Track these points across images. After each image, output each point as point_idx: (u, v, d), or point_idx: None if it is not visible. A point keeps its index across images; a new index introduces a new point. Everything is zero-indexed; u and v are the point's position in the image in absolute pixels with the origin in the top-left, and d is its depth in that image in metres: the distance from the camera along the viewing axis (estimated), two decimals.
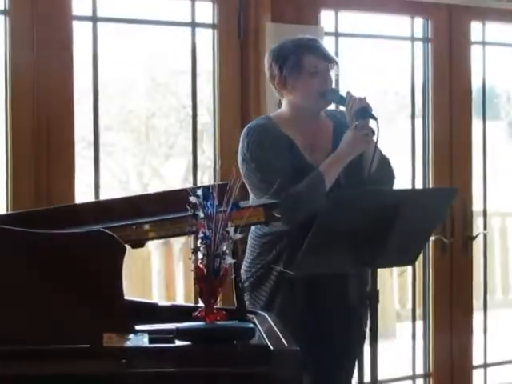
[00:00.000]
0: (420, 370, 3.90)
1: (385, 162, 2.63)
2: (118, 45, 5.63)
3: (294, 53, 2.57)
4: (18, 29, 2.94)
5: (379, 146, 2.52)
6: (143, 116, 6.94)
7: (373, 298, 2.32)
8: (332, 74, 2.63)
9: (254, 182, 2.51)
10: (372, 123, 2.50)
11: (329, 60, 2.60)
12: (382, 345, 2.80)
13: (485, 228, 4.25)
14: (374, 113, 2.51)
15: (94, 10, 3.07)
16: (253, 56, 3.36)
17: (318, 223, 2.12)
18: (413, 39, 3.77)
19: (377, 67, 4.41)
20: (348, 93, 2.50)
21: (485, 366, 3.91)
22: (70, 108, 3.08)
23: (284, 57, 2.58)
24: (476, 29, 3.90)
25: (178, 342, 1.77)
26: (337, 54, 3.37)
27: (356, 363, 2.63)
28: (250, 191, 2.58)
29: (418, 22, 3.77)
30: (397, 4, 3.67)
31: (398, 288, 5.54)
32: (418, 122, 3.76)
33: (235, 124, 3.28)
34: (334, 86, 2.72)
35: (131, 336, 1.79)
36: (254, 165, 2.52)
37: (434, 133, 3.73)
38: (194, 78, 3.43)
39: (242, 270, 2.47)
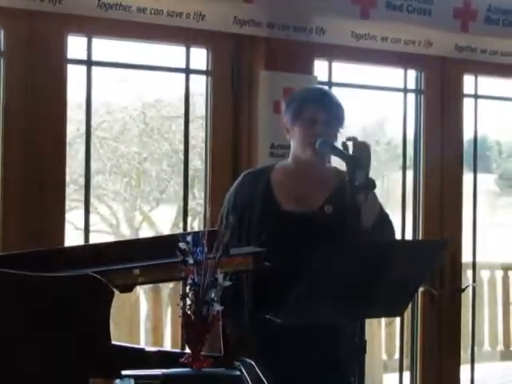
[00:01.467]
0: None
1: (386, 218, 2.67)
2: (112, 89, 5.68)
3: (299, 100, 2.58)
4: (13, 70, 2.96)
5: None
6: (135, 160, 6.97)
7: (360, 348, 2.27)
8: (334, 128, 2.60)
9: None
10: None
11: (330, 111, 2.57)
12: None
13: (474, 280, 4.25)
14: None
15: (89, 54, 3.10)
16: (246, 103, 3.38)
17: (307, 273, 2.12)
18: (406, 90, 3.80)
19: (369, 117, 4.46)
20: (343, 142, 2.43)
21: None
22: (62, 150, 3.09)
23: (290, 103, 2.60)
24: (468, 82, 3.95)
25: None
26: None
27: None
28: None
29: (411, 73, 3.83)
30: (390, 56, 3.71)
31: (385, 338, 5.52)
32: (409, 172, 3.79)
33: (227, 170, 3.27)
34: (335, 138, 2.65)
35: (117, 381, 1.76)
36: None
37: (425, 184, 3.75)
38: (187, 124, 3.45)
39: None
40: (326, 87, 3.03)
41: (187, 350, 1.91)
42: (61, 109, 3.05)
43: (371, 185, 2.32)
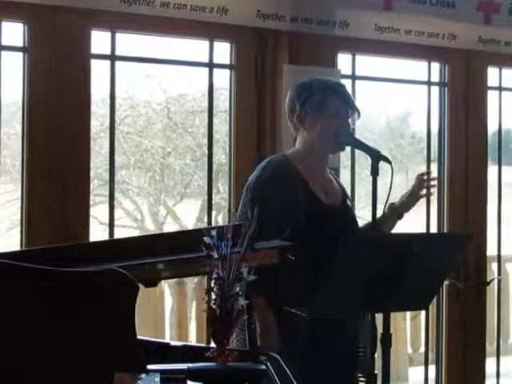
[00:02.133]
0: None
1: None
2: (136, 84, 5.72)
3: (320, 92, 2.59)
4: (37, 65, 3.01)
5: None
6: (159, 155, 7.03)
7: (385, 341, 2.31)
8: (350, 121, 2.66)
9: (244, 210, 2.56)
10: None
11: (351, 107, 2.62)
12: None
13: (499, 273, 4.29)
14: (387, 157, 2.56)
15: (113, 49, 3.13)
16: (269, 97, 3.38)
17: (335, 267, 2.15)
18: (429, 83, 3.81)
19: (393, 111, 4.44)
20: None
21: None
22: (87, 145, 3.12)
23: (309, 94, 2.60)
24: (493, 74, 3.96)
25: (189, 383, 1.77)
26: (353, 96, 3.40)
27: None
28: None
29: (435, 66, 3.84)
30: (414, 49, 3.71)
31: (410, 332, 5.56)
32: (434, 166, 3.82)
33: (251, 164, 3.24)
34: (351, 131, 2.75)
35: (143, 376, 1.77)
36: (257, 201, 2.52)
37: (450, 177, 3.76)
38: (211, 118, 3.46)
39: None
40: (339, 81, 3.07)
41: (212, 345, 1.92)
42: (85, 104, 3.08)
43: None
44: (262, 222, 2.34)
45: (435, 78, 3.82)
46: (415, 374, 5.13)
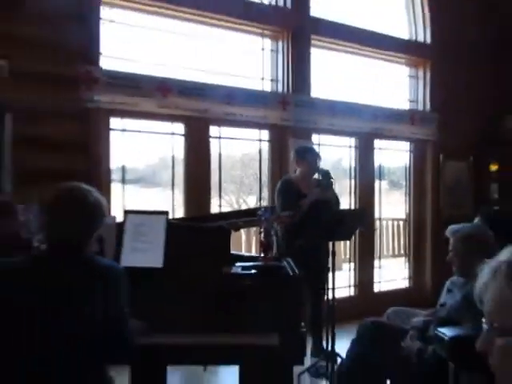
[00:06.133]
0: None
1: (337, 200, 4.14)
2: None
3: (303, 151, 4.01)
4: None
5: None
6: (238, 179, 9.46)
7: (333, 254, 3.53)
8: (318, 162, 4.02)
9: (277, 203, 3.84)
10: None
11: (317, 156, 4.03)
12: None
13: None
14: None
15: None
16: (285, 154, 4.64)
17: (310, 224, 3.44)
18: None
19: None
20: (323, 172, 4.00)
21: None
22: None
23: (298, 152, 4.04)
24: None
25: (253, 270, 2.34)
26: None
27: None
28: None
29: None
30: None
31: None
32: None
33: (277, 180, 4.61)
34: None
35: (233, 268, 2.36)
36: (279, 196, 3.92)
37: None
38: (261, 164, 4.68)
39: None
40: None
41: (262, 255, 2.49)
42: None
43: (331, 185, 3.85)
44: (280, 204, 3.86)
45: None
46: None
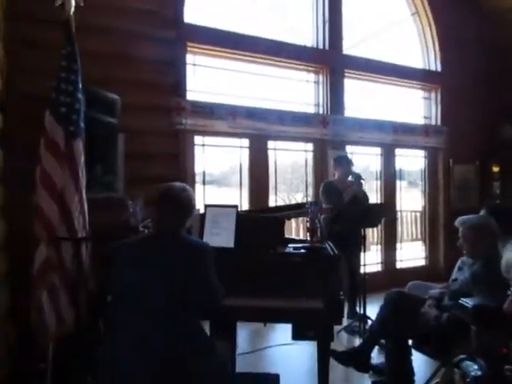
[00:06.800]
0: None
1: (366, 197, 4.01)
2: None
3: (340, 159, 3.88)
4: None
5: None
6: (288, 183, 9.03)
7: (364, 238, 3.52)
8: (351, 167, 3.91)
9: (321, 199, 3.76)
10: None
11: (351, 163, 3.90)
12: None
13: None
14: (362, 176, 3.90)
15: None
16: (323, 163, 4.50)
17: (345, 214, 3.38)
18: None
19: None
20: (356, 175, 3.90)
21: None
22: None
23: (336, 160, 3.95)
24: None
25: (302, 250, 2.32)
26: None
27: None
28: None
29: None
30: None
31: None
32: None
33: (320, 182, 4.55)
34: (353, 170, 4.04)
35: (287, 248, 2.40)
36: (322, 194, 3.81)
37: None
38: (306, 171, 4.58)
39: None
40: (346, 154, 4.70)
41: (308, 238, 2.48)
42: None
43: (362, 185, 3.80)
44: (323, 199, 3.77)
45: None
46: None
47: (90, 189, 2.59)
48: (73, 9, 2.49)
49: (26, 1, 3.42)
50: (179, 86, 4.19)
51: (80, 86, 2.50)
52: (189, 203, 1.88)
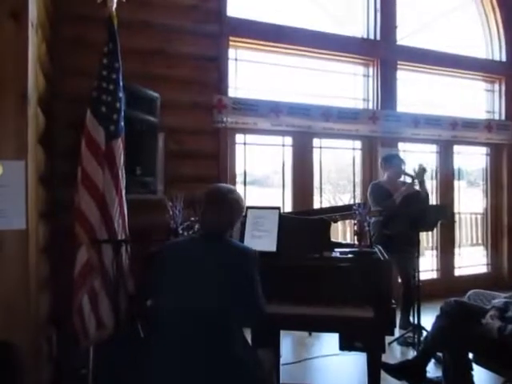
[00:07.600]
0: None
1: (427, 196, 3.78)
2: None
3: (390, 158, 3.76)
4: None
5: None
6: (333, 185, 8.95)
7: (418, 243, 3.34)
8: (403, 166, 3.75)
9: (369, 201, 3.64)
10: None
11: (403, 162, 3.74)
12: None
13: None
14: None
15: None
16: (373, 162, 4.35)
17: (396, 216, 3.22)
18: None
19: None
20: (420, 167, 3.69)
21: None
22: None
23: (385, 159, 3.80)
24: None
25: (349, 255, 2.34)
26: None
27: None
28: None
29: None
30: None
31: None
32: None
33: (368, 182, 4.46)
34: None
35: (332, 252, 2.40)
36: (370, 196, 3.70)
37: None
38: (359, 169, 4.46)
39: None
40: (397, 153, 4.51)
41: (356, 243, 2.49)
42: None
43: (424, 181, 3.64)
44: (371, 201, 3.67)
45: None
46: None
47: (129, 190, 2.65)
48: (115, 5, 2.55)
49: (69, 1, 3.52)
50: (221, 83, 4.18)
51: (121, 84, 2.56)
52: (236, 205, 1.89)
